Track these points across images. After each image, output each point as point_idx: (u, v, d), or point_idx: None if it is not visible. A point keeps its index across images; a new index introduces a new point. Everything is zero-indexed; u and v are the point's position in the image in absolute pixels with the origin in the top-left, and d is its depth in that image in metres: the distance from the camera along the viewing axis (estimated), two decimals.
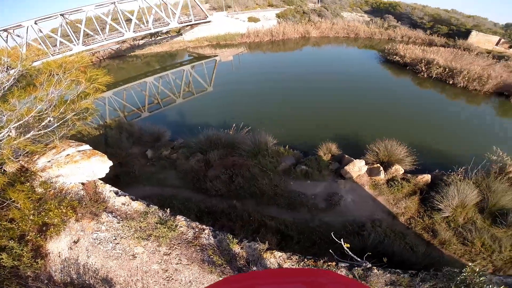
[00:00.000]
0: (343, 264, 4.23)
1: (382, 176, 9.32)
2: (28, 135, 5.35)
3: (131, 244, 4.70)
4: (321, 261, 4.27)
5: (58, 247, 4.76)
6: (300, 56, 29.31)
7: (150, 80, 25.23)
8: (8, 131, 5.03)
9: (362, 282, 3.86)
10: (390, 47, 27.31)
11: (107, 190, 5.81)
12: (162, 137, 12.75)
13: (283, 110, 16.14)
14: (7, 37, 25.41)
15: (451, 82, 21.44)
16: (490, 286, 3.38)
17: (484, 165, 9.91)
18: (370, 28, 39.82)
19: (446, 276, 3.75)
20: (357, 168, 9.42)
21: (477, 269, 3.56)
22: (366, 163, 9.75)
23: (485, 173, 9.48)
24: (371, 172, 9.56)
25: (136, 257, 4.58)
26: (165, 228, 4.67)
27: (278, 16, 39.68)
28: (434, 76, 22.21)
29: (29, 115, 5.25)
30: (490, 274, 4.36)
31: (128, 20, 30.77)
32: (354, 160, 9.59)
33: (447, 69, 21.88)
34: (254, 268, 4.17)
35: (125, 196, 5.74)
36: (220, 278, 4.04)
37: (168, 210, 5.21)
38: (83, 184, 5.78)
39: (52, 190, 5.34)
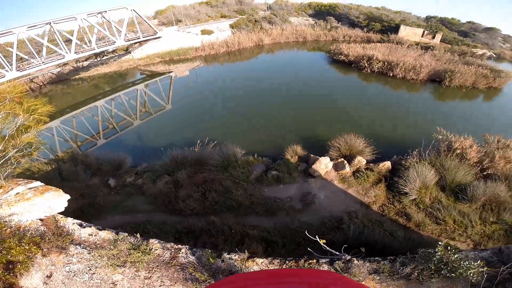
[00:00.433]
0: (323, 260, 4.26)
1: (347, 169, 9.90)
2: None
3: (107, 272, 4.61)
4: (302, 260, 4.33)
5: (32, 283, 4.63)
6: (257, 64, 30.10)
7: (101, 103, 23.50)
8: None
9: (344, 274, 3.91)
10: (335, 48, 29.52)
11: (70, 223, 5.62)
12: (123, 164, 11.97)
13: (246, 119, 16.32)
14: None
15: (391, 74, 23.94)
16: (467, 262, 3.48)
17: (434, 145, 11.19)
18: (315, 31, 42.68)
19: (423, 257, 3.85)
20: (323, 165, 9.89)
21: (448, 247, 3.69)
22: (331, 159, 10.29)
23: (436, 153, 10.63)
24: (337, 167, 10.09)
25: (116, 284, 4.50)
26: (138, 252, 4.62)
27: (232, 26, 40.32)
28: (376, 70, 24.60)
29: None
30: (466, 250, 4.48)
31: (68, 41, 28.50)
32: (320, 158, 10.06)
33: (386, 63, 24.38)
34: None
35: (90, 227, 5.58)
36: None
37: (138, 235, 5.12)
38: (41, 220, 5.58)
39: (8, 229, 5.12)
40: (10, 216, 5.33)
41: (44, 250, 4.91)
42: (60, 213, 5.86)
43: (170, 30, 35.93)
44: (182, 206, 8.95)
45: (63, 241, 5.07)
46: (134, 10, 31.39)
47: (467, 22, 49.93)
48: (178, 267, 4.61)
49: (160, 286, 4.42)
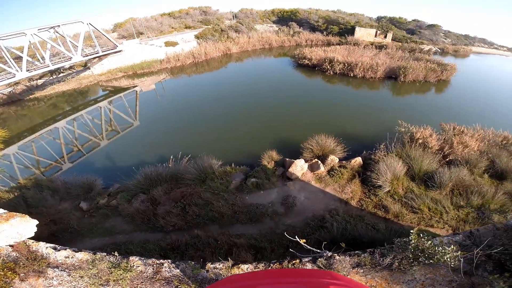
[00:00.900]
0: (306, 259, 4.28)
1: (322, 169, 10.27)
2: None
3: None
4: (286, 261, 4.33)
5: None
6: (226, 74, 30.13)
7: (62, 125, 21.75)
8: None
9: (328, 270, 3.91)
10: (299, 52, 30.72)
11: (43, 247, 5.43)
12: (93, 186, 11.41)
13: (219, 130, 16.17)
14: None
15: (352, 75, 25.48)
16: (440, 248, 3.58)
17: (398, 137, 12.06)
18: (280, 37, 44.09)
19: (400, 246, 3.95)
20: (299, 167, 10.15)
21: (421, 234, 3.80)
22: (306, 161, 10.60)
23: (401, 145, 11.44)
24: (312, 168, 10.42)
25: None
26: (120, 270, 4.50)
27: (197, 37, 39.92)
28: (338, 72, 26.03)
29: None
30: (441, 236, 4.60)
31: (18, 58, 26.14)
32: (295, 161, 10.30)
33: (346, 64, 25.90)
34: None
35: (65, 249, 5.41)
36: None
37: (116, 253, 5.02)
38: (11, 246, 5.37)
39: None
40: None
41: (21, 275, 4.79)
42: (31, 238, 5.63)
43: (132, 43, 34.68)
44: (162, 223, 8.69)
45: (39, 264, 4.99)
46: (90, 23, 29.83)
47: (413, 20, 54.96)
48: (163, 281, 4.56)
49: None
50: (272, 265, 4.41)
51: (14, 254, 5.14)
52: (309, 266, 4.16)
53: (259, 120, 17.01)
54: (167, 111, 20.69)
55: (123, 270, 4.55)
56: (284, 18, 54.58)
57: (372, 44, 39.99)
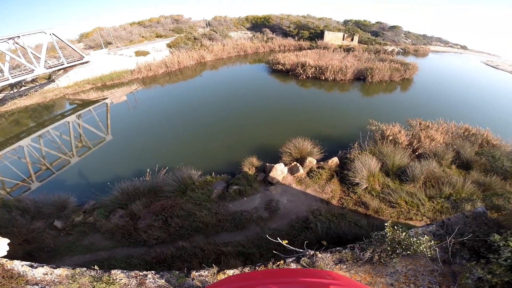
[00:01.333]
0: (290, 259, 4.32)
1: (302, 171, 10.51)
2: None
3: None
4: (270, 263, 4.36)
5: None
6: (201, 82, 29.79)
7: (27, 142, 20.10)
8: None
9: (310, 267, 4.00)
10: (273, 58, 31.33)
11: (18, 265, 5.18)
12: (67, 204, 10.95)
13: (196, 140, 15.92)
14: None
15: (323, 78, 26.47)
16: (415, 239, 3.68)
17: (370, 135, 12.67)
18: (254, 44, 44.71)
19: (378, 240, 4.06)
20: (279, 171, 10.31)
21: (395, 226, 3.90)
22: (285, 164, 10.80)
23: (373, 142, 12.02)
24: (292, 171, 10.62)
25: None
26: (102, 284, 4.39)
27: (169, 46, 39.09)
28: (310, 76, 26.91)
29: None
30: (416, 227, 4.70)
31: None
32: (275, 165, 10.46)
33: (317, 68, 26.86)
34: None
35: (43, 266, 5.15)
36: None
37: (96, 267, 4.87)
38: None
39: None
40: None
41: None
42: (4, 257, 5.36)
43: (100, 54, 33.32)
44: (145, 237, 8.46)
45: (17, 282, 4.82)
46: (54, 34, 28.21)
47: (376, 22, 58.56)
48: None
49: None
50: (257, 268, 4.42)
51: None
52: (293, 266, 4.18)
53: (237, 127, 17.01)
54: (141, 123, 19.99)
55: (105, 283, 4.42)
56: (258, 25, 55.52)
57: (340, 47, 41.90)
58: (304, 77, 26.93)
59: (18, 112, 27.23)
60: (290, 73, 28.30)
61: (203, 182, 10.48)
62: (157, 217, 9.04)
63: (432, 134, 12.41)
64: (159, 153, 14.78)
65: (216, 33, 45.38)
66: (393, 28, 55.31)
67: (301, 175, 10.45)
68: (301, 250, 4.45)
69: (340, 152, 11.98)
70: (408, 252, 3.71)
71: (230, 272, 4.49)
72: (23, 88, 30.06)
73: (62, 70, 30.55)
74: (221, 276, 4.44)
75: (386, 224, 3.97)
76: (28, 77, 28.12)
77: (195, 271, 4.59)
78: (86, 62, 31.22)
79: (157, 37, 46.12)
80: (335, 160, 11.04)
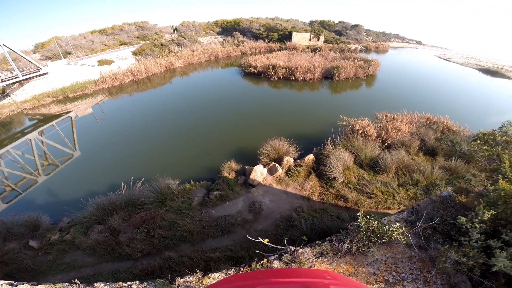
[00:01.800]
0: (273, 257, 4.34)
1: (280, 171, 10.72)
2: None
3: None
4: (254, 262, 4.37)
5: None
6: (171, 89, 28.97)
7: None
8: None
9: (293, 264, 4.05)
10: (245, 61, 31.54)
11: None
12: (39, 223, 10.39)
13: (171, 148, 15.47)
14: None
15: (293, 78, 27.23)
16: (387, 226, 3.76)
17: (341, 131, 13.25)
18: (225, 48, 44.60)
19: (353, 230, 4.06)
20: (259, 173, 10.42)
21: (367, 216, 4.01)
22: (264, 166, 10.97)
23: (345, 137, 12.59)
24: (271, 171, 10.79)
25: None
26: None
27: (135, 53, 37.59)
28: (281, 77, 27.53)
29: None
30: (389, 215, 4.69)
31: None
32: (254, 167, 10.56)
33: (287, 69, 27.56)
34: None
35: (23, 284, 4.92)
36: None
37: (77, 280, 4.67)
38: None
39: None
40: None
41: None
42: None
43: (59, 64, 31.08)
44: (129, 251, 8.21)
45: None
46: (4, 45, 25.90)
47: (339, 22, 61.47)
48: None
49: None
50: (242, 269, 4.40)
51: None
52: (276, 263, 4.19)
53: (213, 132, 16.83)
54: (111, 136, 19.00)
55: None
56: (228, 29, 55.52)
57: (308, 47, 43.34)
58: (276, 78, 27.46)
59: None
60: (262, 75, 28.68)
61: (182, 191, 10.28)
62: (138, 230, 8.83)
63: (398, 125, 13.29)
64: (132, 165, 14.17)
65: (185, 38, 44.60)
66: (354, 26, 58.46)
67: (280, 175, 10.65)
68: (282, 247, 4.48)
69: (315, 149, 12.38)
70: (383, 240, 3.78)
71: (215, 275, 4.45)
72: None
73: (18, 84, 28.11)
74: (207, 280, 4.40)
75: (358, 214, 4.06)
76: None
77: (179, 278, 4.52)
78: (44, 74, 29.03)
79: (122, 44, 44.24)
80: (311, 157, 11.40)
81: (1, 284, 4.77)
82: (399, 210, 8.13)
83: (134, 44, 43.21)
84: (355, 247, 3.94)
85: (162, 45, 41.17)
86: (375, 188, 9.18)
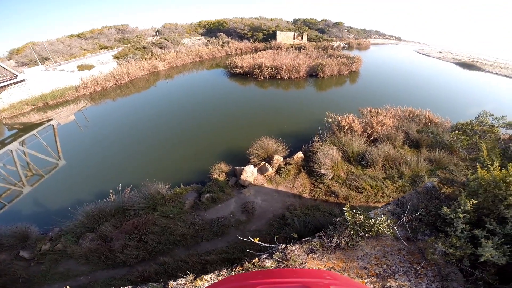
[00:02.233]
0: (264, 256, 4.37)
1: (271, 170, 10.82)
2: None
3: None
4: (246, 262, 4.40)
5: None
6: (157, 93, 28.39)
7: None
8: None
9: (283, 262, 4.09)
10: (230, 62, 31.44)
11: None
12: (28, 233, 10.17)
13: (159, 152, 15.23)
14: None
15: (279, 77, 27.46)
16: (373, 220, 3.79)
17: (328, 127, 13.49)
18: (210, 49, 44.21)
19: (341, 225, 4.13)
20: (249, 173, 10.48)
21: (353, 210, 4.03)
22: (254, 165, 11.02)
23: (332, 133, 12.83)
24: (262, 171, 10.88)
25: None
26: None
27: (116, 57, 36.58)
28: (267, 76, 27.68)
29: None
30: (376, 209, 4.72)
31: None
32: (244, 168, 10.60)
33: (273, 68, 27.74)
34: None
35: None
36: None
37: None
38: None
39: None
40: None
41: None
42: None
43: (36, 71, 29.92)
44: (123, 258, 8.11)
45: None
46: None
47: (322, 20, 62.32)
48: None
49: None
50: (234, 268, 4.43)
51: None
52: (267, 262, 4.20)
53: (201, 135, 16.67)
54: (96, 143, 18.48)
55: None
56: (212, 30, 55.05)
57: (292, 46, 43.76)
58: (262, 78, 27.56)
59: None
60: (248, 76, 28.69)
61: (172, 195, 10.20)
62: (131, 236, 8.74)
63: (382, 120, 13.68)
64: (120, 171, 13.88)
65: (168, 40, 43.85)
66: (336, 24, 59.50)
67: (270, 174, 10.76)
68: (273, 246, 4.50)
69: (303, 146, 12.57)
70: (371, 233, 3.80)
71: (207, 277, 4.47)
72: None
73: None
74: (199, 282, 4.40)
75: (344, 208, 4.06)
76: None
77: (172, 281, 4.54)
78: (21, 81, 27.83)
79: (102, 48, 43.00)
80: (299, 154, 11.57)
81: None
82: (387, 203, 8.58)
83: (115, 48, 42.12)
84: (344, 242, 3.95)
85: (144, 48, 40.30)
86: (364, 182, 9.37)
